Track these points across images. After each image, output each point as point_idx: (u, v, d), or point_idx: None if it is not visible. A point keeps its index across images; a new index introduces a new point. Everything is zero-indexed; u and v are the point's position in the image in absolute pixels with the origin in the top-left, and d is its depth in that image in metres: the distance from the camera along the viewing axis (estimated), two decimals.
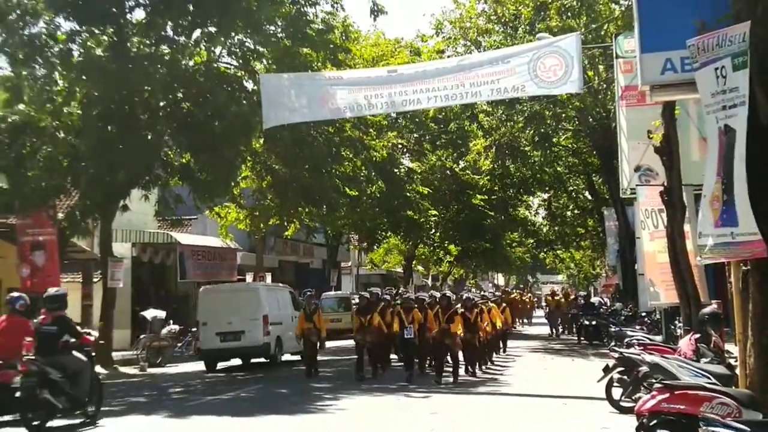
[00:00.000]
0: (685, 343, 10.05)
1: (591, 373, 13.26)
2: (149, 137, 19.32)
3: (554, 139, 32.20)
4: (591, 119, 27.04)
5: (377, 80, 15.53)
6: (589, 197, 38.67)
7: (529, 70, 13.99)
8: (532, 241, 49.56)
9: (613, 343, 14.84)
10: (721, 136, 7.21)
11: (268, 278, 32.63)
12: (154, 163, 19.92)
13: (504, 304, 23.99)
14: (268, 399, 14.01)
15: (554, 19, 23.49)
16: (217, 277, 28.45)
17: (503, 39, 25.51)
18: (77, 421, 11.43)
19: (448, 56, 26.46)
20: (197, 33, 19.26)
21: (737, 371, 8.55)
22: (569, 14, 23.55)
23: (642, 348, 11.45)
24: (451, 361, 16.29)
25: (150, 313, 22.67)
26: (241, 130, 18.82)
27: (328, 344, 25.92)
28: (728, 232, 7.08)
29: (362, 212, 29.21)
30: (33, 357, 10.77)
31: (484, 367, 18.07)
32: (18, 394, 10.51)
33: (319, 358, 18.66)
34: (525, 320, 42.50)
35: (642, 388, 10.16)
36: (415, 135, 32.72)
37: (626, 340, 14.28)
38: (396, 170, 31.17)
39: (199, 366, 21.16)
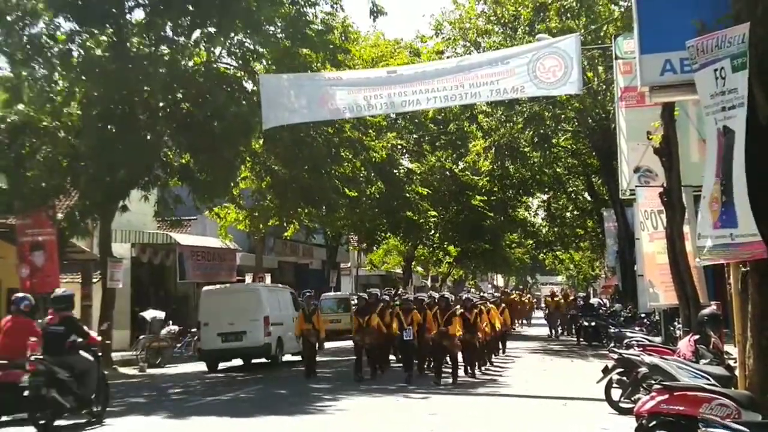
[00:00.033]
0: (685, 345, 10.05)
1: (590, 374, 13.25)
2: (149, 137, 19.31)
3: (554, 140, 32.22)
4: (590, 120, 27.05)
5: (377, 81, 15.55)
6: (589, 198, 38.69)
7: (529, 71, 14.01)
8: (531, 242, 49.60)
9: (612, 344, 14.84)
10: (720, 137, 7.22)
11: (268, 279, 32.62)
12: (154, 164, 19.92)
13: (503, 305, 23.99)
14: (268, 400, 14.01)
15: (554, 20, 23.50)
16: (216, 277, 28.44)
17: (503, 40, 25.52)
18: (84, 420, 11.52)
19: (448, 57, 26.47)
20: (197, 33, 19.29)
21: (736, 372, 8.55)
22: (569, 15, 23.56)
23: (641, 349, 11.45)
24: (450, 363, 16.29)
25: (149, 314, 22.66)
26: (241, 130, 18.82)
27: (328, 345, 25.93)
28: (727, 233, 7.09)
29: (362, 213, 29.22)
30: (41, 357, 10.88)
31: (483, 368, 18.07)
32: (26, 393, 10.63)
33: (318, 358, 18.67)
34: (524, 321, 42.51)
35: (641, 389, 10.16)
36: (415, 136, 32.71)
37: (625, 341, 14.28)
38: (395, 171, 31.19)
39: (199, 366, 21.15)
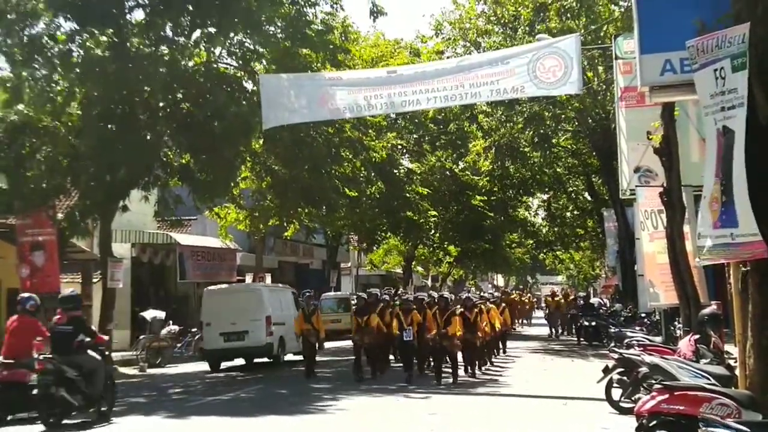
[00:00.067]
0: (685, 344, 10.06)
1: (591, 373, 13.25)
2: (149, 137, 19.30)
3: (554, 140, 32.23)
4: (590, 120, 27.05)
5: (377, 81, 15.55)
6: (589, 198, 38.69)
7: (529, 71, 14.01)
8: (531, 241, 49.58)
9: (612, 344, 14.84)
10: (719, 137, 7.22)
11: (268, 279, 32.64)
12: (154, 164, 19.91)
13: (503, 305, 23.99)
14: (268, 399, 14.02)
15: (553, 21, 23.50)
16: (216, 277, 28.45)
17: (503, 40, 25.53)
18: (91, 418, 11.66)
19: (448, 57, 26.47)
20: (197, 33, 19.29)
21: (737, 372, 8.56)
22: (569, 15, 23.55)
23: (642, 349, 11.45)
24: (450, 363, 16.28)
25: (149, 314, 22.68)
26: (241, 130, 18.81)
27: (328, 345, 25.93)
28: (728, 233, 7.09)
29: (362, 213, 29.22)
30: (50, 356, 11.07)
31: (483, 368, 18.06)
32: (35, 391, 10.87)
33: (318, 358, 18.67)
34: (524, 321, 42.51)
35: (642, 388, 10.17)
36: (415, 136, 32.71)
37: (626, 341, 14.27)
38: (395, 171, 31.18)
39: (199, 366, 21.17)
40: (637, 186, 15.47)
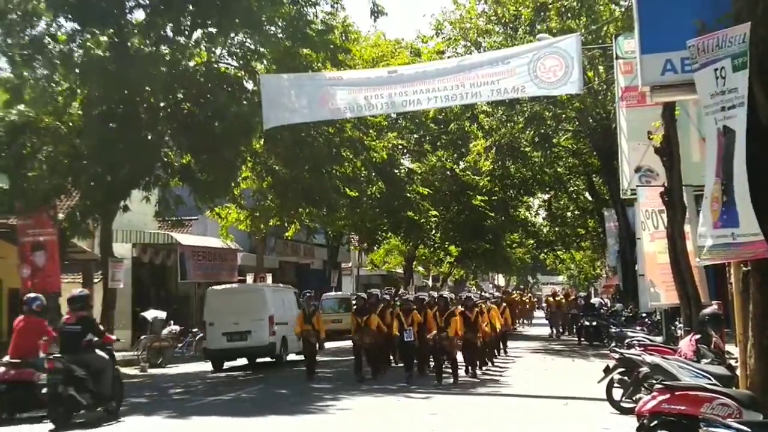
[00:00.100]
0: (686, 344, 10.05)
1: (591, 373, 13.25)
2: (150, 137, 19.31)
3: (554, 140, 32.23)
4: (591, 120, 27.05)
5: (377, 81, 15.54)
6: (590, 198, 38.67)
7: (529, 70, 14.00)
8: (532, 241, 49.57)
9: (613, 344, 14.85)
10: (719, 137, 7.21)
11: (269, 279, 32.62)
12: (155, 164, 19.92)
13: (504, 305, 23.99)
14: (269, 399, 14.02)
15: (554, 20, 23.48)
16: (217, 277, 28.46)
17: (503, 40, 25.51)
18: (99, 416, 11.79)
19: (448, 57, 26.45)
20: (197, 33, 19.29)
21: (738, 372, 8.56)
22: (569, 15, 23.54)
23: (642, 349, 11.46)
24: (449, 363, 16.27)
25: (150, 314, 22.67)
26: (242, 130, 18.82)
27: (329, 345, 25.94)
28: (728, 233, 7.08)
29: (362, 213, 29.21)
30: (59, 355, 11.24)
31: (483, 368, 18.05)
32: (44, 390, 11.09)
33: (318, 358, 18.66)
34: (525, 321, 42.50)
35: (642, 388, 10.17)
36: (415, 136, 32.70)
37: (627, 340, 14.28)
38: (396, 171, 31.17)
39: (200, 366, 21.19)
40: (637, 186, 15.46)
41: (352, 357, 17.30)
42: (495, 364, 19.75)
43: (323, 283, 38.59)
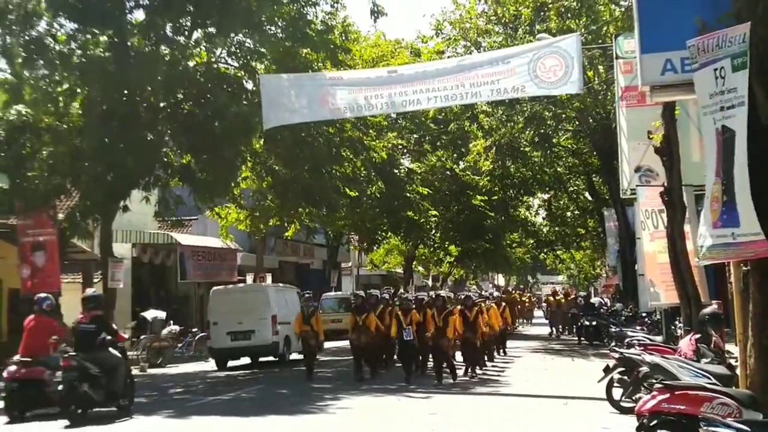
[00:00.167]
0: (686, 344, 10.05)
1: (591, 373, 13.26)
2: (150, 138, 19.31)
3: (554, 140, 32.23)
4: (591, 120, 27.04)
5: (377, 80, 15.55)
6: (590, 198, 38.67)
7: (529, 70, 14.01)
8: (532, 241, 49.57)
9: (613, 344, 14.85)
10: (718, 136, 7.21)
11: (269, 279, 32.62)
12: (155, 164, 19.92)
13: (504, 304, 23.99)
14: (269, 399, 14.02)
15: (554, 20, 23.48)
16: (217, 277, 28.47)
17: (503, 40, 25.50)
18: (112, 413, 12.05)
19: (448, 57, 26.43)
20: (197, 33, 19.29)
21: (738, 371, 8.57)
22: (569, 15, 23.54)
23: (642, 348, 11.46)
24: (446, 363, 16.26)
25: (150, 314, 22.70)
26: (242, 130, 18.82)
27: (328, 345, 25.93)
28: (729, 232, 7.07)
29: (362, 213, 29.21)
30: (73, 353, 11.58)
31: (482, 369, 18.02)
32: (60, 387, 11.52)
33: (319, 358, 18.66)
34: (525, 321, 42.51)
35: (642, 388, 10.17)
36: (415, 135, 32.69)
37: (626, 340, 14.28)
38: (396, 171, 31.16)
39: (200, 366, 21.22)
40: (637, 185, 15.46)
41: (352, 357, 17.30)
42: (495, 363, 19.74)
43: (323, 283, 38.59)
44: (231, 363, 21.22)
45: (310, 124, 19.72)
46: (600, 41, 21.91)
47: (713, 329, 9.65)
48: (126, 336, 13.87)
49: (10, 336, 21.76)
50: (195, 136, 19.37)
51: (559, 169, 36.41)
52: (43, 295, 13.12)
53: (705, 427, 5.99)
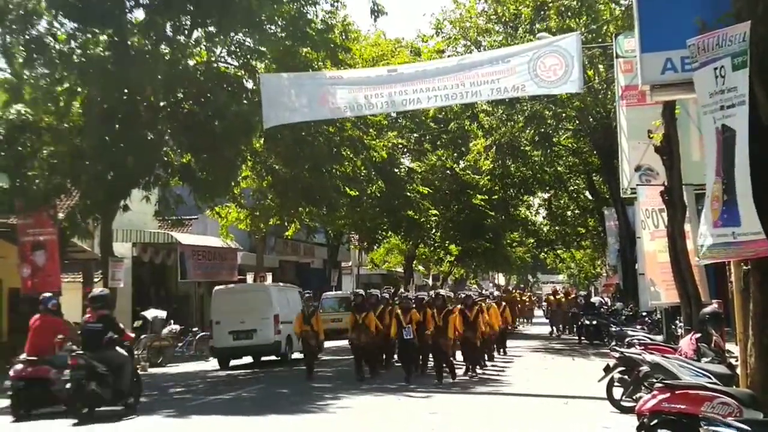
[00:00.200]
0: (686, 343, 10.05)
1: (592, 372, 13.26)
2: (150, 137, 19.30)
3: (554, 139, 32.21)
4: (591, 119, 27.04)
5: (377, 80, 15.53)
6: (590, 197, 38.67)
7: (529, 69, 14.00)
8: (532, 240, 49.57)
9: (613, 343, 14.86)
10: (718, 135, 7.21)
11: (269, 278, 32.60)
12: (155, 163, 19.91)
13: (504, 304, 23.98)
14: (269, 399, 14.03)
15: (554, 19, 23.48)
16: (217, 277, 28.46)
17: (503, 39, 25.49)
18: (119, 411, 12.16)
19: (448, 56, 26.43)
20: (197, 32, 19.27)
21: (738, 371, 8.57)
22: (569, 14, 23.53)
23: (643, 348, 11.46)
24: (445, 364, 16.25)
25: (151, 313, 22.69)
26: (242, 129, 18.81)
27: (328, 344, 25.93)
28: (729, 232, 7.07)
29: (362, 212, 29.21)
30: (81, 352, 11.76)
31: (482, 369, 18.02)
32: (68, 385, 11.65)
33: (319, 357, 18.66)
34: (525, 320, 42.51)
35: (643, 387, 10.17)
36: (415, 135, 32.68)
37: (627, 339, 14.29)
38: (396, 170, 31.15)
39: (200, 366, 21.24)
40: (638, 185, 15.46)
41: (352, 356, 17.30)
42: (495, 363, 19.73)
43: (323, 283, 38.59)
44: (233, 362, 21.24)
45: (310, 123, 19.72)
46: (600, 40, 21.90)
47: (714, 328, 9.65)
48: (132, 335, 13.91)
49: (10, 335, 21.77)
50: (195, 135, 19.36)
51: (559, 168, 36.40)
52: (48, 294, 13.30)
53: (705, 427, 5.99)
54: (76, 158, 18.62)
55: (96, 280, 22.41)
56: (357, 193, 26.09)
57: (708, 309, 10.16)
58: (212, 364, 21.98)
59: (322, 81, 16.25)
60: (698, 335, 9.80)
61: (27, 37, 17.62)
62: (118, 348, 12.15)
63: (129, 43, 18.29)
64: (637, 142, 15.39)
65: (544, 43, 14.86)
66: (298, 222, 28.32)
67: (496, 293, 33.56)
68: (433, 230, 37.58)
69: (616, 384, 11.38)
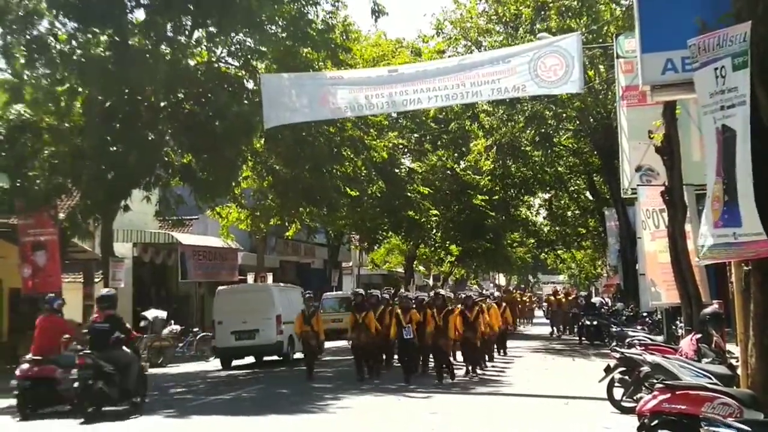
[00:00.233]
0: (687, 343, 10.04)
1: (592, 373, 13.25)
2: (150, 137, 19.30)
3: (555, 139, 32.22)
4: (592, 119, 27.04)
5: (378, 80, 15.53)
6: (590, 197, 38.66)
7: (530, 69, 13.99)
8: (533, 241, 49.57)
9: (614, 343, 14.84)
10: (719, 135, 7.20)
11: (269, 278, 32.64)
12: (156, 163, 19.92)
13: (504, 304, 23.97)
14: (270, 399, 14.02)
15: (554, 20, 23.48)
16: (218, 277, 28.48)
17: (504, 39, 25.50)
18: (125, 410, 12.27)
19: (449, 56, 26.42)
20: (198, 33, 19.28)
21: (739, 371, 8.55)
22: (570, 14, 23.54)
23: (643, 348, 11.45)
24: (445, 364, 16.25)
25: (151, 313, 22.69)
26: (242, 130, 18.82)
27: (329, 345, 25.94)
28: (730, 232, 7.06)
29: (363, 212, 29.21)
30: (88, 351, 11.85)
31: (482, 369, 18.00)
32: (76, 384, 11.70)
33: (320, 357, 18.66)
34: (525, 320, 42.51)
35: (643, 388, 10.16)
36: (416, 135, 32.67)
37: (627, 340, 14.27)
38: (397, 170, 31.15)
39: (201, 366, 21.24)
40: (638, 185, 15.46)
41: (352, 356, 17.29)
42: (495, 363, 19.72)
43: (324, 283, 38.59)
44: (234, 362, 21.27)
45: (310, 124, 19.73)
46: (601, 41, 21.91)
47: (714, 329, 9.64)
48: (138, 334, 14.02)
49: (11, 335, 21.78)
50: (196, 135, 19.37)
51: (559, 168, 36.40)
52: (52, 294, 13.51)
53: (706, 427, 5.98)
54: (77, 158, 18.63)
55: (96, 280, 22.41)
56: (357, 193, 26.08)
57: (708, 309, 10.15)
58: (213, 364, 22.00)
59: (323, 81, 16.25)
60: (699, 336, 9.79)
61: (28, 37, 17.64)
62: (124, 347, 12.28)
63: (129, 43, 18.30)
64: (638, 142, 15.40)
65: (544, 43, 14.86)
66: (298, 222, 28.32)
67: (496, 293, 33.60)
68: (434, 230, 37.57)
69: (616, 384, 11.37)
